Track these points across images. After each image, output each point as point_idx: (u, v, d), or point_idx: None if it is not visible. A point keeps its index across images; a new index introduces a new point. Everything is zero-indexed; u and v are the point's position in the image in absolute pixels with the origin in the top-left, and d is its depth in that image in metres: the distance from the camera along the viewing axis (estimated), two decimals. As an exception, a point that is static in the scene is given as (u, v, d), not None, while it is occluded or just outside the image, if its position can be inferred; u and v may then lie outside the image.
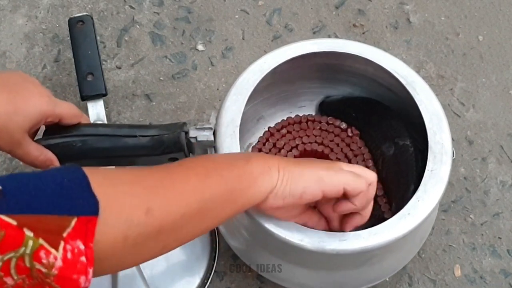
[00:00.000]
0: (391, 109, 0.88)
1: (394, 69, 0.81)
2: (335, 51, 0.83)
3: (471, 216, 1.01)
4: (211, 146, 0.76)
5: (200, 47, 1.14)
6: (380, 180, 0.89)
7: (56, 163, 0.75)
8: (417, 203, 0.73)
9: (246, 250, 0.86)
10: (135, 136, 0.74)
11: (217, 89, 1.09)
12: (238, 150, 0.75)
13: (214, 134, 0.76)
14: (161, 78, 1.10)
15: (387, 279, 0.95)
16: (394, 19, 1.17)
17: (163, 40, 1.14)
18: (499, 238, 0.99)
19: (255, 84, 0.80)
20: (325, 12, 1.17)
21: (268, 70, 0.81)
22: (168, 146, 0.74)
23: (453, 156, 0.78)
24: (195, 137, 0.74)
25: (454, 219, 1.00)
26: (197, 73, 1.11)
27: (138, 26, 1.15)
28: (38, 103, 0.71)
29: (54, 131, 0.75)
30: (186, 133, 0.74)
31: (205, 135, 0.75)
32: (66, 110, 0.76)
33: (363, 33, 1.15)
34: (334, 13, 1.17)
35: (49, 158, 0.75)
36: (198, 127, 0.75)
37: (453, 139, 1.05)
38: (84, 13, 1.00)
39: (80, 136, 0.74)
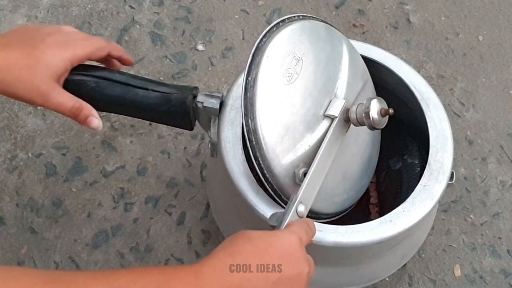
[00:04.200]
0: (408, 126, 0.88)
1: (413, 83, 0.81)
2: (362, 54, 0.82)
3: (471, 216, 1.01)
4: (215, 115, 0.76)
5: (200, 47, 1.14)
6: (378, 191, 0.89)
7: (94, 113, 0.73)
8: (401, 213, 0.73)
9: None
10: (147, 89, 0.75)
11: (217, 89, 1.09)
12: (240, 124, 0.75)
13: (222, 105, 0.77)
14: (161, 78, 1.10)
15: (387, 279, 0.95)
16: (394, 19, 1.17)
17: (163, 40, 1.14)
18: (499, 238, 0.99)
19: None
20: (325, 12, 1.17)
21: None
22: (175, 105, 0.75)
23: (452, 180, 0.77)
24: (202, 102, 0.75)
25: (454, 219, 1.00)
26: (197, 73, 1.11)
27: (138, 26, 1.15)
28: (56, 51, 0.71)
29: (75, 68, 0.76)
30: (195, 97, 0.75)
31: (211, 102, 0.75)
32: (89, 48, 0.74)
33: (363, 33, 1.15)
34: (334, 13, 1.17)
35: (85, 106, 0.72)
36: (207, 93, 0.76)
37: (453, 139, 1.06)
38: None
39: (95, 77, 0.75)
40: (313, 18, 0.74)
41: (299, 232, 0.59)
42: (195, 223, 0.99)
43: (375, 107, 0.67)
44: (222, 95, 0.77)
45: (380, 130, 0.83)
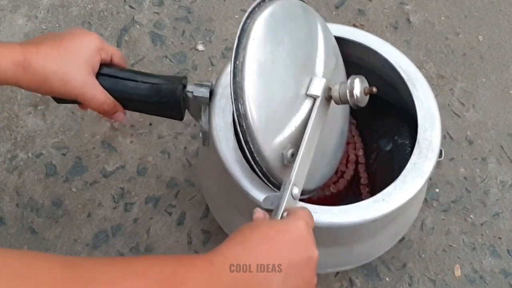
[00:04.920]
0: (397, 107, 0.89)
1: (399, 63, 0.82)
2: (345, 37, 0.83)
3: (471, 216, 1.01)
4: (205, 104, 0.77)
5: (200, 47, 1.14)
6: (368, 172, 0.90)
7: (120, 108, 0.75)
8: (393, 191, 0.74)
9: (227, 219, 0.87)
10: (136, 81, 0.76)
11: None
12: (231, 112, 0.76)
13: (211, 93, 0.77)
14: (161, 78, 1.10)
15: (387, 279, 0.95)
16: (394, 19, 1.17)
17: (163, 40, 1.14)
18: (499, 238, 0.99)
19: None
20: (325, 12, 1.17)
21: None
22: (165, 95, 0.76)
23: (441, 157, 0.78)
24: (192, 92, 0.76)
25: (454, 219, 1.00)
26: (197, 73, 1.11)
27: (138, 26, 1.15)
28: (87, 41, 0.71)
29: None
30: (184, 86, 0.75)
31: (201, 91, 0.76)
32: (117, 50, 0.77)
33: (363, 33, 1.15)
34: (334, 13, 1.17)
35: (117, 103, 0.74)
36: (196, 83, 0.76)
37: (453, 139, 1.06)
38: None
39: None
40: None
41: (304, 217, 0.60)
42: (195, 223, 0.99)
43: (359, 85, 0.68)
44: (212, 84, 0.77)
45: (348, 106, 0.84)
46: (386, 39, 1.14)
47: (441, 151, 0.78)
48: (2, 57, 0.65)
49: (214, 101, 0.77)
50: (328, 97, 0.71)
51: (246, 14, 0.68)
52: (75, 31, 0.73)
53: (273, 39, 0.68)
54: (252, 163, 0.68)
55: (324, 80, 0.71)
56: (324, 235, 0.76)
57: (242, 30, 0.67)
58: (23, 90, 1.09)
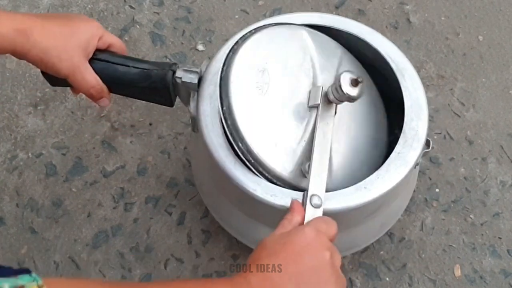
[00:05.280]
0: (390, 98, 0.89)
1: (388, 53, 0.82)
2: (335, 27, 0.83)
3: (471, 216, 1.01)
4: (194, 90, 0.78)
5: (200, 47, 1.14)
6: None
7: (108, 95, 0.77)
8: (376, 180, 0.74)
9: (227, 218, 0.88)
10: (127, 66, 0.77)
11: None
12: (219, 98, 0.76)
13: (200, 80, 0.79)
14: (161, 78, 1.10)
15: (387, 279, 0.95)
16: (394, 19, 1.17)
17: (163, 40, 1.14)
18: (499, 238, 0.99)
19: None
20: (325, 12, 1.17)
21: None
22: (155, 81, 0.77)
23: (429, 148, 0.78)
24: (180, 78, 0.77)
25: (454, 219, 1.00)
26: (197, 73, 1.11)
27: (138, 26, 1.15)
28: (89, 26, 0.74)
29: None
30: (174, 72, 0.77)
31: (190, 77, 0.77)
32: (116, 39, 0.78)
33: (363, 33, 1.15)
34: (334, 13, 1.17)
35: (104, 89, 0.76)
36: (185, 68, 0.77)
37: (453, 139, 1.06)
38: None
39: None
40: (272, 24, 0.78)
41: (315, 224, 0.61)
42: (195, 223, 0.99)
43: (345, 80, 0.69)
44: (200, 71, 0.79)
45: (377, 98, 0.85)
46: (386, 39, 1.14)
47: (428, 141, 0.78)
48: (2, 22, 0.67)
49: (202, 87, 0.78)
50: (328, 101, 0.73)
51: (228, 51, 0.72)
52: (80, 16, 0.76)
53: (256, 71, 0.72)
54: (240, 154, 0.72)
55: (320, 87, 0.73)
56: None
57: (221, 78, 0.71)
58: (23, 90, 1.09)
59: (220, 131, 0.75)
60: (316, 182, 0.67)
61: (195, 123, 0.79)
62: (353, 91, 0.69)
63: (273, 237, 0.60)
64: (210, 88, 0.78)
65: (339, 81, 0.69)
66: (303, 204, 0.66)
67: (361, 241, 0.87)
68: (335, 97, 0.71)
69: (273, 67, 0.73)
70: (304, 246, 0.59)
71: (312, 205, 0.65)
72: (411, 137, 0.77)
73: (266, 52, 0.74)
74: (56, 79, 0.75)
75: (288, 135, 0.72)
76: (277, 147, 0.71)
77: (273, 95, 0.73)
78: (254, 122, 0.72)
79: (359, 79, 0.69)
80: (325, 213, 0.69)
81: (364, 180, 0.74)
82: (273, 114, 0.72)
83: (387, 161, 0.75)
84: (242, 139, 0.70)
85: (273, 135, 0.72)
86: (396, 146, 0.76)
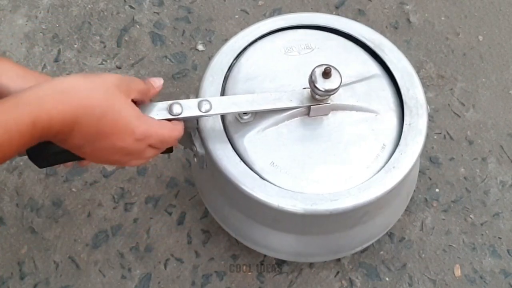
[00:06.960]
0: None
1: (362, 34, 0.82)
2: (303, 24, 0.84)
3: (471, 216, 1.01)
4: (193, 129, 0.77)
5: (200, 47, 1.14)
6: None
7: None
8: (400, 156, 0.74)
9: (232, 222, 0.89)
10: None
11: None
12: (222, 128, 0.77)
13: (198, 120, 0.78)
14: (161, 78, 1.10)
15: (387, 279, 0.95)
16: (394, 19, 1.17)
17: (163, 40, 1.14)
18: (499, 238, 0.99)
19: (229, 64, 0.81)
20: (325, 12, 1.17)
21: (239, 49, 0.82)
22: None
23: (428, 110, 0.79)
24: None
25: (454, 219, 1.00)
26: (197, 73, 1.11)
27: (138, 26, 1.16)
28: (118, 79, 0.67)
29: None
30: None
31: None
32: (141, 86, 0.68)
33: (363, 33, 1.15)
34: (334, 13, 1.17)
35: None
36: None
37: (453, 139, 1.06)
38: None
39: None
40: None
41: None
42: (195, 223, 0.99)
43: (317, 73, 0.70)
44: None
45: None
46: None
47: (426, 105, 0.79)
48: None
49: (201, 123, 0.76)
50: (313, 101, 0.74)
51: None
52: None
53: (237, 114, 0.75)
54: None
55: (304, 90, 0.74)
56: (349, 218, 0.78)
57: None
58: (23, 90, 1.09)
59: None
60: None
61: (203, 161, 0.78)
62: (325, 83, 0.70)
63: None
64: (210, 121, 0.77)
65: (312, 78, 0.70)
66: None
67: (361, 241, 0.87)
68: (315, 93, 0.71)
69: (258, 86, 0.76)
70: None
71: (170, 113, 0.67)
72: (414, 105, 0.77)
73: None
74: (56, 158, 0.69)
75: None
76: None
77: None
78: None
79: (327, 69, 0.69)
80: (363, 205, 0.72)
81: (390, 161, 0.74)
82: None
83: (402, 136, 0.75)
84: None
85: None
86: (404, 117, 0.76)
